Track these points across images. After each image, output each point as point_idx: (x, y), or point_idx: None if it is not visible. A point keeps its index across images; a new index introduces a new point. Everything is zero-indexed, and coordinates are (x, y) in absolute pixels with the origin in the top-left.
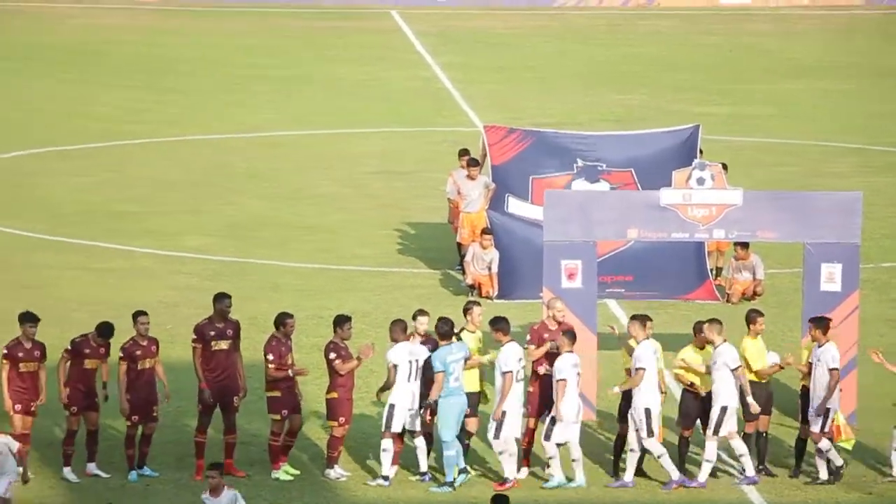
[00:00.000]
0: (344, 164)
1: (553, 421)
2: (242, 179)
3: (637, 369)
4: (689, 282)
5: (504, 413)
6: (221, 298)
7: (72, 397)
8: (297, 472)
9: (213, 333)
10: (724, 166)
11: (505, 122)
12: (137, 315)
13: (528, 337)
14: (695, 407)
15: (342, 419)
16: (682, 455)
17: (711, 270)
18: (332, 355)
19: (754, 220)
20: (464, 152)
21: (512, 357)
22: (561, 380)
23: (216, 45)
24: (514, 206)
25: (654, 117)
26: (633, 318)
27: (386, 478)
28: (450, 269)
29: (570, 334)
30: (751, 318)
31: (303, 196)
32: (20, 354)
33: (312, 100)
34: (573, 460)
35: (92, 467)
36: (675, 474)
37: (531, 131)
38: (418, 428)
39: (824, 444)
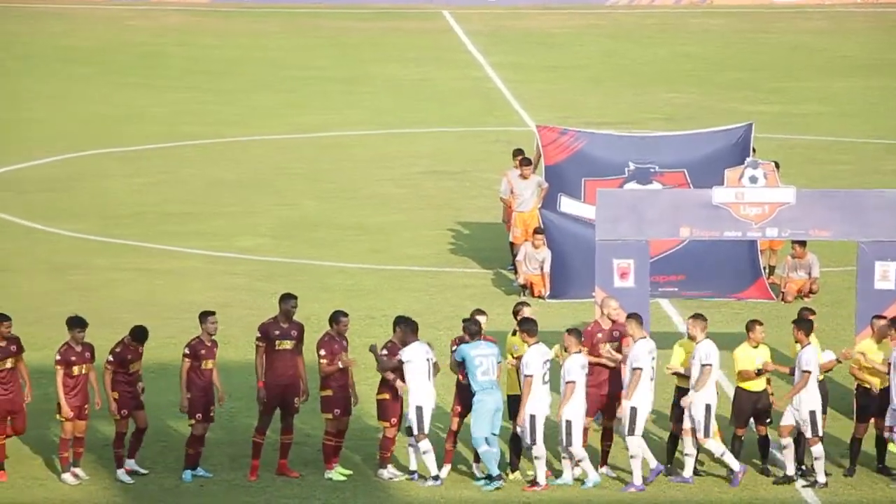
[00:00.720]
0: (398, 165)
1: (570, 424)
2: (298, 180)
3: (634, 369)
4: (742, 280)
5: (533, 417)
6: (287, 299)
7: (120, 402)
8: (350, 473)
9: (277, 333)
10: (777, 165)
11: (556, 121)
12: (206, 315)
13: (583, 338)
14: (750, 405)
15: (393, 420)
16: (737, 451)
17: (764, 269)
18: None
19: (807, 219)
20: (518, 152)
21: (533, 360)
22: (570, 381)
23: (274, 47)
24: (567, 205)
25: (705, 116)
26: (630, 315)
27: (437, 477)
28: (502, 269)
29: (577, 333)
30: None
31: (357, 196)
32: (73, 358)
33: (368, 100)
34: (580, 461)
35: (132, 463)
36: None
37: (584, 133)
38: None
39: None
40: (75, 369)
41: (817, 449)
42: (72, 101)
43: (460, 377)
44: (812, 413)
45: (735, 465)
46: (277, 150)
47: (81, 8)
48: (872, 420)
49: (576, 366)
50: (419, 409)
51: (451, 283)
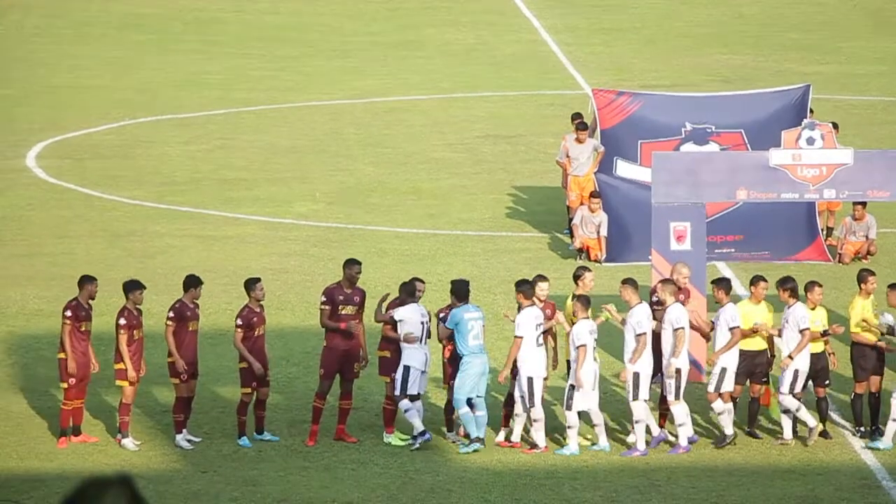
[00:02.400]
0: (454, 129)
1: (572, 388)
2: (354, 145)
3: (638, 335)
4: (799, 241)
5: (531, 379)
6: (351, 264)
7: (178, 368)
8: (408, 438)
9: (341, 298)
10: (835, 125)
11: (612, 84)
12: (254, 282)
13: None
14: (745, 364)
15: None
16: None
17: (822, 231)
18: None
19: (865, 180)
20: (576, 116)
21: (525, 322)
22: (581, 345)
23: (328, 12)
24: (623, 168)
25: (760, 77)
26: (625, 281)
27: (424, 433)
28: (558, 233)
29: (585, 300)
30: (862, 277)
31: (413, 161)
32: (134, 323)
33: (423, 65)
34: (594, 425)
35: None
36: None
37: (639, 94)
38: (423, 391)
39: None
40: (136, 333)
41: (717, 405)
42: (127, 68)
43: (446, 350)
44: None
45: (728, 429)
46: (332, 115)
47: None
48: None
49: (584, 331)
50: (406, 369)
51: (506, 247)
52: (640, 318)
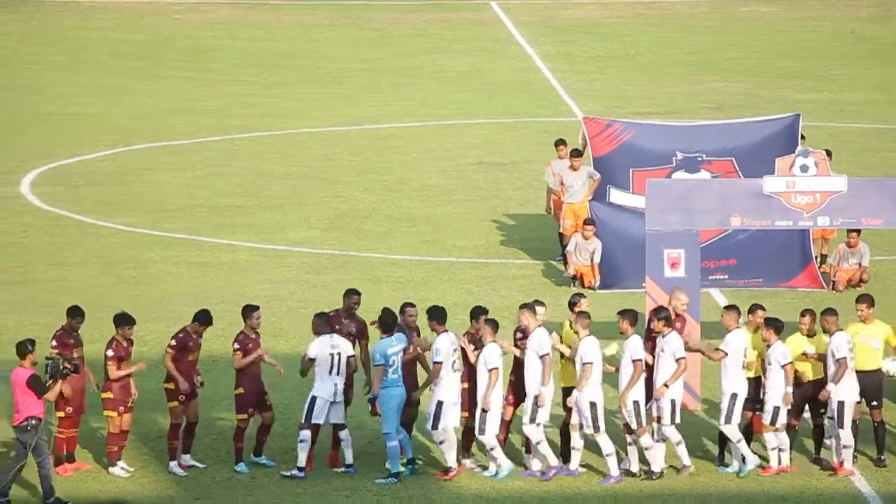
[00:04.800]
0: (447, 156)
1: (483, 413)
2: (348, 172)
3: (585, 364)
4: (792, 268)
5: (440, 403)
6: (350, 294)
7: (179, 390)
8: (405, 463)
9: (337, 327)
10: (829, 153)
11: (605, 111)
12: (252, 310)
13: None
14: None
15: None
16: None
17: (816, 258)
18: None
19: (859, 207)
20: (560, 142)
21: (444, 347)
22: (493, 368)
23: (322, 39)
24: (616, 196)
25: (755, 105)
26: (580, 313)
27: (301, 469)
28: (552, 260)
29: (494, 324)
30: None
31: (407, 188)
32: (122, 354)
33: (417, 92)
34: (607, 455)
35: (187, 458)
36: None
37: (631, 123)
38: (342, 421)
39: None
40: (123, 365)
41: (645, 439)
42: (121, 95)
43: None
44: (672, 402)
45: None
46: (326, 142)
47: (130, 2)
48: None
49: (495, 355)
50: (313, 399)
51: (500, 274)
52: (587, 349)
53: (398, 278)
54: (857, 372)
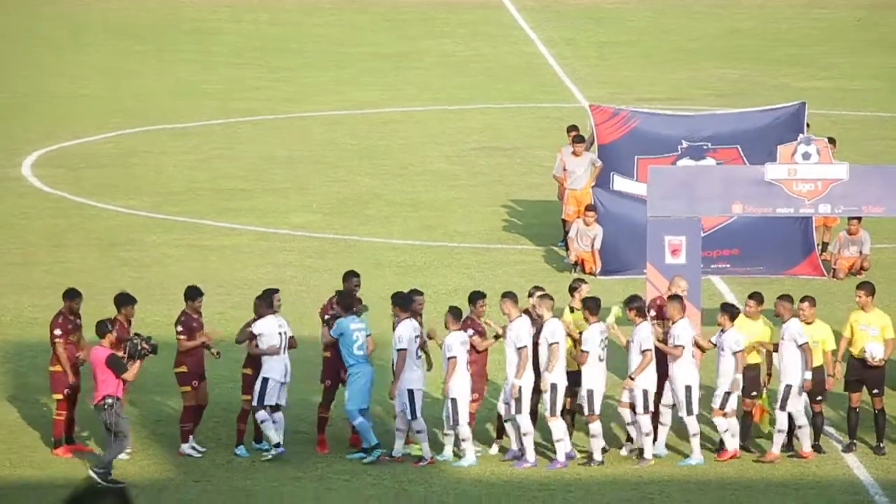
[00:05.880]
0: (451, 141)
1: (454, 402)
2: (351, 156)
3: (519, 348)
4: (794, 256)
5: (411, 392)
6: (349, 277)
7: (192, 373)
8: (420, 448)
9: (331, 313)
10: (832, 141)
11: (607, 97)
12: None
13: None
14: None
15: (475, 395)
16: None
17: (818, 246)
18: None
19: (860, 195)
20: (572, 128)
21: (405, 334)
22: (451, 357)
23: (326, 24)
24: (620, 183)
25: (757, 92)
26: (504, 295)
27: (278, 445)
28: (553, 246)
29: (456, 312)
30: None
31: (410, 173)
32: (124, 334)
33: (421, 76)
34: (463, 439)
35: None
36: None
37: (637, 112)
38: (284, 402)
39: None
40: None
41: (594, 426)
42: (125, 77)
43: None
44: (645, 392)
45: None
46: (329, 126)
47: None
48: None
49: (456, 342)
50: (265, 381)
51: (502, 259)
52: (520, 333)
53: (400, 263)
54: (858, 359)
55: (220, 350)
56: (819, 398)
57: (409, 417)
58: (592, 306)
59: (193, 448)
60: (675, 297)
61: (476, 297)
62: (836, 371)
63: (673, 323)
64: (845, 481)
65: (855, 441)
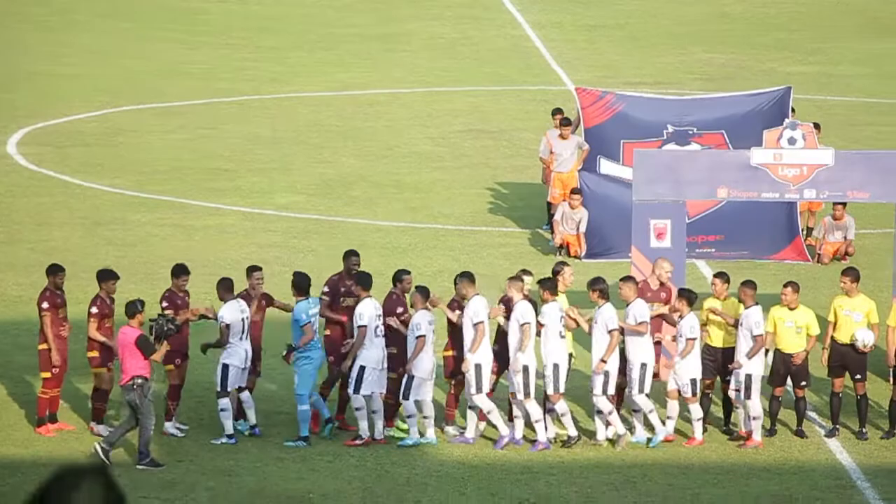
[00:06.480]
0: (436, 123)
1: (410, 378)
2: (336, 137)
3: (475, 323)
4: (778, 241)
5: (363, 368)
6: (349, 256)
7: (176, 351)
8: (406, 429)
9: (343, 290)
10: (817, 126)
11: (594, 80)
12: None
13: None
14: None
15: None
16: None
17: (802, 231)
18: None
19: (846, 180)
20: (557, 111)
21: (367, 311)
22: (420, 336)
23: (313, 4)
24: (606, 167)
25: (743, 76)
26: (462, 274)
27: (231, 436)
28: (538, 229)
29: (424, 291)
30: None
31: (395, 155)
32: (106, 312)
33: (407, 58)
34: (425, 417)
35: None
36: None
37: (623, 95)
38: (245, 384)
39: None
40: (106, 322)
41: (560, 405)
42: (111, 56)
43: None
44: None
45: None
46: (315, 107)
47: None
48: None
49: (424, 321)
50: (225, 367)
51: (487, 241)
52: (477, 308)
53: (384, 244)
54: (841, 345)
55: (205, 330)
56: (802, 384)
57: (351, 391)
58: (550, 286)
59: (177, 428)
60: (628, 279)
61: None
62: (823, 357)
63: (628, 304)
64: (828, 466)
65: (837, 426)
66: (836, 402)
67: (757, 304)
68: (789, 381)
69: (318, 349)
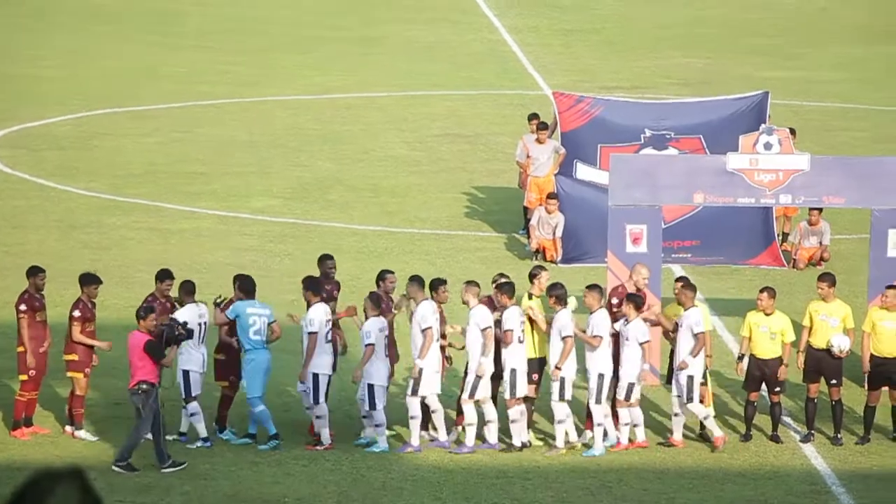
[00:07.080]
0: (413, 127)
1: (371, 388)
2: (312, 141)
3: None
4: (754, 247)
5: (316, 376)
6: (324, 260)
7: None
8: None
9: (324, 294)
10: (793, 131)
11: (571, 85)
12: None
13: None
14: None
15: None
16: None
17: (778, 236)
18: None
19: (821, 186)
20: (533, 116)
21: (318, 317)
22: (368, 344)
23: (290, 7)
24: (583, 171)
25: (720, 81)
26: (589, 287)
27: (206, 439)
28: (515, 233)
29: (376, 297)
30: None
31: (371, 158)
32: (88, 316)
33: (384, 62)
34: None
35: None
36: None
37: (601, 99)
38: (200, 391)
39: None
40: (88, 325)
41: (512, 412)
42: (87, 58)
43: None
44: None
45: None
46: (292, 110)
47: None
48: (887, 389)
49: (375, 328)
50: (186, 374)
51: (463, 246)
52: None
53: (360, 248)
54: (817, 350)
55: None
56: (777, 389)
57: (312, 402)
58: (508, 290)
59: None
60: (594, 287)
61: (438, 284)
62: (799, 361)
63: (591, 313)
64: (803, 471)
65: (813, 431)
66: (811, 408)
67: (696, 305)
68: (764, 386)
69: (263, 349)
